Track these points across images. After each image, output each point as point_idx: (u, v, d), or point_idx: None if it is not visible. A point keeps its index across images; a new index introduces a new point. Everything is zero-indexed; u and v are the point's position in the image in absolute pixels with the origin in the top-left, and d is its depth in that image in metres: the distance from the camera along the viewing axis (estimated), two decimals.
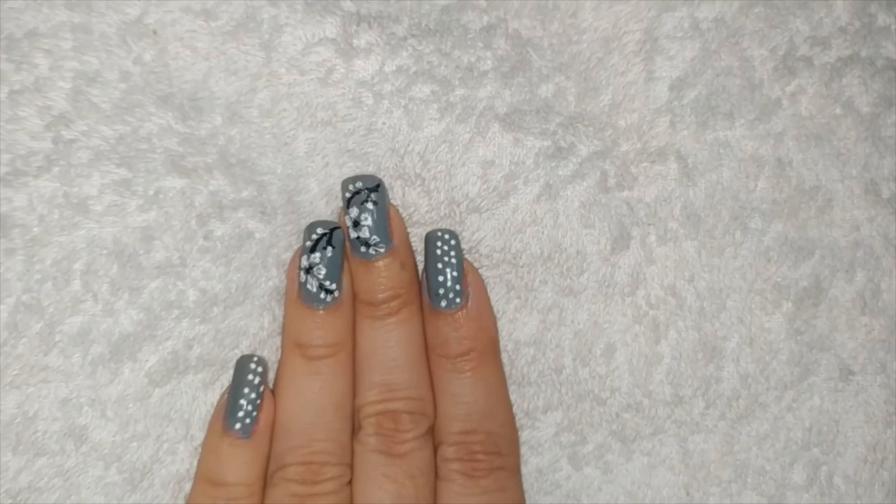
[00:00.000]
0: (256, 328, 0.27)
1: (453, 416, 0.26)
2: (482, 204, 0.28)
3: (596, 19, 0.28)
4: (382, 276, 0.26)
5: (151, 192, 0.27)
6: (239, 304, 0.27)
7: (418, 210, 0.28)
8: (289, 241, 0.28)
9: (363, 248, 0.25)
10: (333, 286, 0.25)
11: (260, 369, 0.26)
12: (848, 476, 0.28)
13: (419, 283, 0.27)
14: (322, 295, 0.25)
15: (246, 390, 0.25)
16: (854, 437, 0.28)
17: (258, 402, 0.25)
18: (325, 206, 0.28)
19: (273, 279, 0.27)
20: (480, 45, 0.27)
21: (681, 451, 0.28)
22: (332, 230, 0.26)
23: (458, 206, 0.28)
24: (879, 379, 0.28)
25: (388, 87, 0.27)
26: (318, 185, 0.28)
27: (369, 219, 0.25)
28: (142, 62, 0.27)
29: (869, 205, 0.28)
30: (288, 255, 0.28)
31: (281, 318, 0.27)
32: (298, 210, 0.28)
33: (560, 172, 0.28)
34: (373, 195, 0.26)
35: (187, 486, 0.27)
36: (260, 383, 0.25)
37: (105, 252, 0.27)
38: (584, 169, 0.28)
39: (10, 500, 0.26)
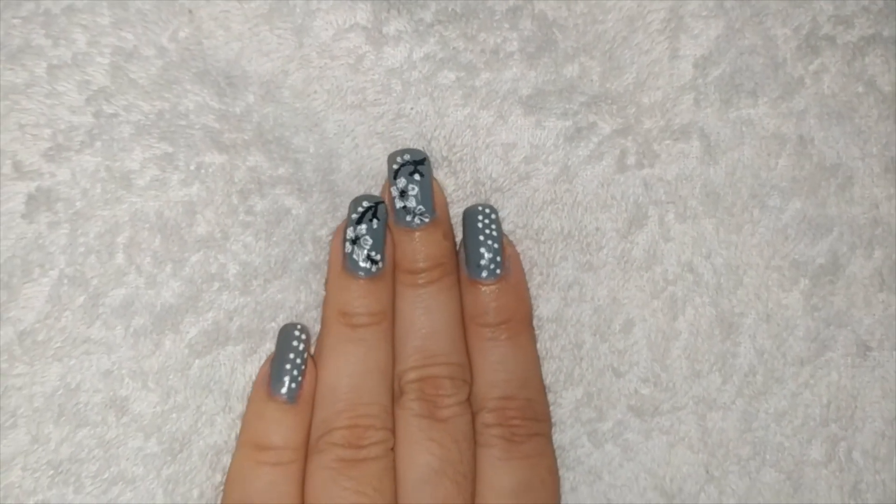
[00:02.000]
0: (294, 301, 0.29)
1: (492, 382, 0.28)
2: (504, 184, 0.29)
3: None
4: (425, 244, 0.28)
5: (193, 167, 0.28)
6: (277, 278, 0.29)
7: (445, 190, 0.30)
8: (324, 219, 0.30)
9: (408, 217, 0.28)
10: (379, 256, 0.27)
11: (304, 336, 0.28)
12: (866, 451, 0.29)
13: (457, 256, 0.29)
14: (367, 265, 0.27)
15: (291, 356, 0.27)
16: (872, 412, 0.29)
17: (303, 367, 0.27)
18: (357, 185, 0.29)
19: (309, 254, 0.29)
20: (507, 26, 0.29)
21: (700, 429, 0.30)
22: (377, 203, 0.28)
23: (483, 185, 0.30)
24: None
25: (416, 75, 0.29)
26: (350, 165, 0.29)
27: (416, 189, 0.28)
28: (177, 39, 0.29)
29: (889, 183, 0.29)
30: (323, 232, 0.29)
31: (317, 292, 0.29)
32: (333, 189, 0.29)
33: (580, 152, 0.30)
34: (420, 167, 0.28)
35: (225, 458, 0.29)
36: (304, 350, 0.27)
37: (148, 226, 0.28)
38: (602, 148, 0.30)
39: (51, 471, 0.28)
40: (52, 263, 0.28)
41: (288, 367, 0.27)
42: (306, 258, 0.29)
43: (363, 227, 0.28)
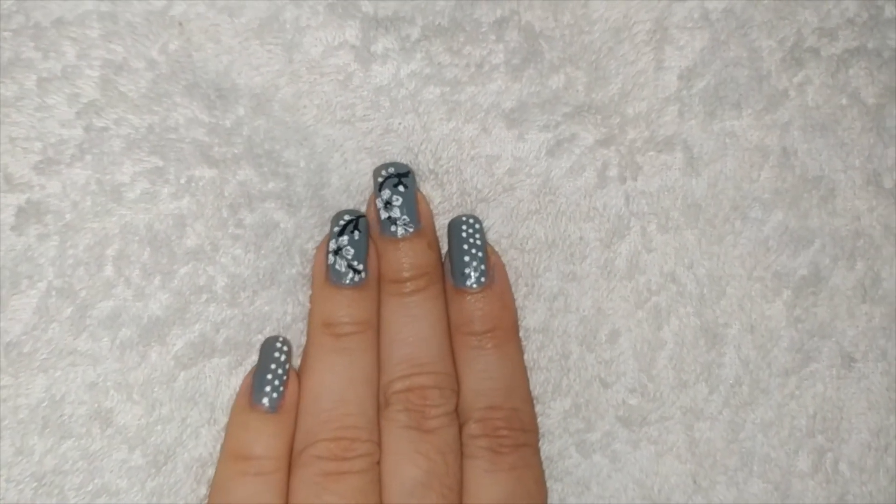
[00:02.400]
0: (281, 313, 0.29)
1: (478, 391, 0.28)
2: (489, 195, 0.30)
3: (607, 10, 0.30)
4: (409, 254, 0.28)
5: (183, 181, 0.29)
6: (265, 289, 0.29)
7: (432, 201, 0.30)
8: (311, 233, 0.30)
9: (392, 228, 0.28)
10: (361, 266, 0.28)
11: (286, 348, 0.28)
12: (853, 462, 0.30)
13: (443, 267, 0.29)
14: (350, 274, 0.28)
15: (273, 366, 0.27)
16: (858, 423, 0.30)
17: (285, 378, 0.27)
18: (347, 199, 0.30)
19: (297, 266, 0.30)
20: (493, 38, 0.29)
21: (687, 440, 0.30)
22: (359, 217, 0.29)
23: (469, 196, 0.30)
24: (881, 366, 0.30)
25: (403, 92, 0.30)
26: (339, 179, 0.30)
27: (400, 199, 0.28)
28: (167, 52, 0.29)
29: (871, 195, 0.30)
30: (311, 246, 0.30)
31: (304, 304, 0.30)
32: (322, 203, 0.30)
33: (562, 164, 0.30)
34: (404, 180, 0.28)
35: (210, 471, 0.29)
36: (286, 361, 0.28)
37: (137, 238, 0.29)
38: (584, 160, 0.30)
39: (35, 483, 0.28)
40: (40, 275, 0.29)
41: (269, 377, 0.28)
42: (294, 270, 0.30)
43: (345, 238, 0.28)
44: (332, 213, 0.30)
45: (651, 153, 0.30)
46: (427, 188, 0.30)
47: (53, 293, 0.29)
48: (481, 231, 0.29)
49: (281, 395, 0.28)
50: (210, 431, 0.29)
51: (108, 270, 0.29)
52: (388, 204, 0.28)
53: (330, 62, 0.29)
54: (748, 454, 0.30)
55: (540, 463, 0.29)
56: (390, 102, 0.30)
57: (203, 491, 0.29)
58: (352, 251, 0.28)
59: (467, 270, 0.28)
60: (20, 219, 0.29)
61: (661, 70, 0.30)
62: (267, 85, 0.30)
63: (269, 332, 0.29)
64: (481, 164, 0.30)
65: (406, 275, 0.28)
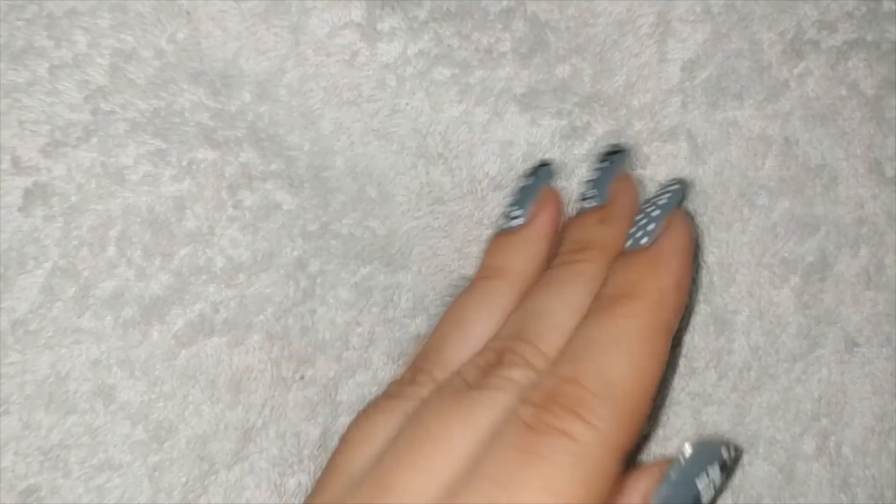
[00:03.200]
0: (281, 296, 0.30)
1: (564, 356, 0.24)
2: (503, 182, 0.30)
3: (611, 3, 0.31)
4: (577, 226, 0.28)
5: (185, 163, 0.29)
6: (264, 272, 0.30)
7: (442, 187, 0.31)
8: (315, 214, 0.30)
9: (580, 201, 0.29)
10: (515, 211, 0.29)
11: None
12: (856, 446, 0.30)
13: (619, 250, 0.27)
14: (502, 220, 0.29)
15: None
16: (861, 407, 0.30)
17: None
18: (352, 182, 0.30)
19: (297, 249, 0.30)
20: (500, 26, 0.30)
21: (694, 423, 0.30)
22: (540, 165, 0.30)
23: (480, 183, 0.31)
24: (885, 351, 0.30)
25: (411, 70, 0.30)
26: (344, 162, 0.30)
27: (597, 174, 0.29)
28: (175, 41, 0.30)
29: (873, 183, 0.30)
30: (314, 227, 0.30)
31: (304, 289, 0.30)
32: (325, 185, 0.30)
33: (575, 151, 0.31)
34: (612, 157, 0.30)
35: (212, 446, 0.29)
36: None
37: (139, 220, 0.29)
38: (598, 148, 0.30)
39: (41, 457, 0.29)
40: (46, 255, 0.29)
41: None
42: (294, 253, 0.30)
43: (519, 182, 0.30)
44: (337, 195, 0.31)
45: (656, 143, 0.31)
46: (436, 173, 0.31)
47: (58, 273, 0.29)
48: (677, 192, 0.26)
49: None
50: (212, 409, 0.29)
51: (111, 251, 0.29)
52: (589, 179, 0.29)
53: (336, 42, 0.30)
54: (754, 437, 0.30)
55: (587, 476, 0.22)
56: (397, 80, 0.30)
57: (206, 466, 0.29)
58: (512, 197, 0.29)
59: (632, 230, 0.26)
60: (27, 200, 0.29)
61: (664, 62, 0.31)
62: (273, 69, 0.30)
63: (268, 313, 0.30)
64: (494, 148, 0.31)
65: (565, 247, 0.27)
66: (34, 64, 0.30)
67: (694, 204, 0.31)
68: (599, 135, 0.31)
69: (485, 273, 0.28)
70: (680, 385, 0.31)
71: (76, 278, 0.29)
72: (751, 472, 0.30)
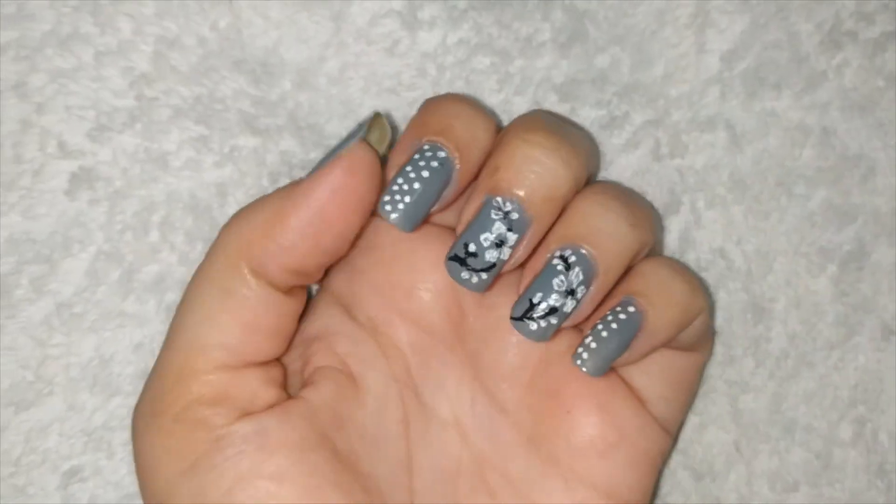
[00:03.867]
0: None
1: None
2: None
3: None
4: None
5: (227, 150, 0.30)
6: None
7: None
8: None
9: None
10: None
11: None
12: (892, 433, 0.31)
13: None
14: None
15: None
16: None
17: None
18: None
19: None
20: (539, 16, 0.31)
21: (731, 410, 0.31)
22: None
23: None
24: None
25: (451, 59, 0.31)
26: None
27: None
28: (217, 28, 0.31)
29: None
30: None
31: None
32: None
33: (614, 141, 0.32)
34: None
35: None
36: None
37: (181, 205, 0.30)
38: (637, 137, 0.31)
39: (85, 438, 0.30)
40: (91, 239, 0.30)
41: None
42: None
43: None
44: None
45: (695, 133, 0.32)
46: None
47: (102, 257, 0.30)
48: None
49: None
50: None
51: (154, 236, 0.30)
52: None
53: (377, 30, 0.31)
54: (791, 424, 0.31)
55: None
56: (437, 69, 0.31)
57: None
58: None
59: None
60: (73, 184, 0.30)
61: (703, 53, 0.32)
62: (314, 58, 0.31)
63: None
64: None
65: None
66: (80, 50, 0.30)
67: (732, 192, 0.32)
68: (638, 124, 0.32)
69: None
70: (717, 373, 0.32)
71: (120, 262, 0.30)
72: (788, 458, 0.31)
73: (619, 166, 0.32)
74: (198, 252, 0.30)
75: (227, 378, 0.26)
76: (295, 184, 0.27)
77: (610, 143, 0.32)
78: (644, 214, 0.27)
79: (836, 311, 0.32)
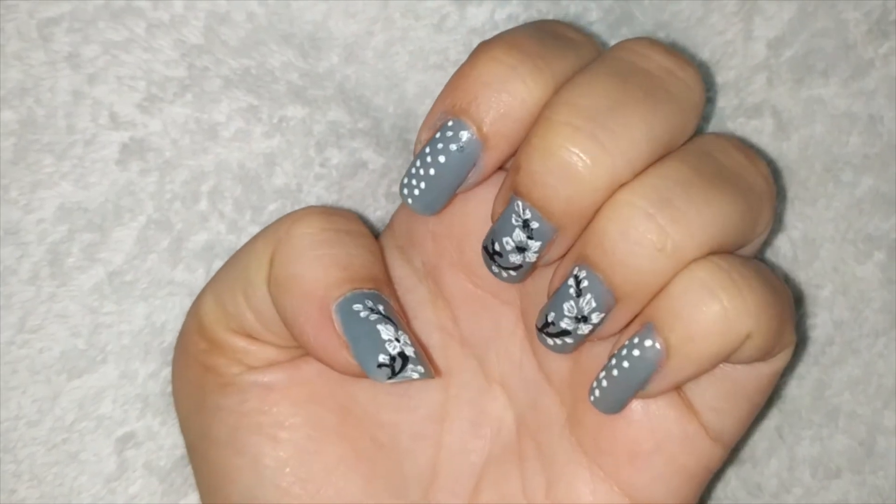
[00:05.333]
0: None
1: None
2: None
3: None
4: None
5: (275, 120, 0.32)
6: None
7: None
8: (400, 173, 0.33)
9: None
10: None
11: None
12: None
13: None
14: None
15: None
16: None
17: None
18: None
19: (381, 209, 0.33)
20: None
21: (774, 396, 0.32)
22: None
23: None
24: None
25: None
26: None
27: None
28: (266, 3, 0.32)
29: None
30: (397, 189, 0.32)
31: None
32: (409, 147, 0.33)
33: None
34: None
35: None
36: None
37: (230, 175, 0.32)
38: None
39: (140, 404, 0.32)
40: (140, 209, 0.32)
41: None
42: (377, 213, 0.33)
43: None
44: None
45: (741, 119, 0.33)
46: None
47: (152, 226, 0.32)
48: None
49: None
50: None
51: (203, 205, 0.32)
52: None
53: (425, 5, 0.32)
54: (834, 410, 0.32)
55: None
56: None
57: None
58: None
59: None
60: (123, 155, 0.32)
61: (750, 40, 0.33)
62: (361, 32, 0.32)
63: None
64: None
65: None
66: (132, 23, 0.32)
67: (780, 180, 0.33)
68: None
69: None
70: None
71: (170, 231, 0.32)
72: (830, 445, 0.32)
73: None
74: (246, 220, 0.32)
75: (247, 342, 0.28)
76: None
77: None
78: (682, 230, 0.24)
79: (883, 298, 0.33)
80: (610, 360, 0.24)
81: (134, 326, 0.31)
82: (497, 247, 0.25)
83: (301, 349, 0.27)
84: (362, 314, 0.24)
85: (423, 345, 0.28)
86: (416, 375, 0.24)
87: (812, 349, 0.33)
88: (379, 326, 0.24)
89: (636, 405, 0.25)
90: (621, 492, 0.26)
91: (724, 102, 0.33)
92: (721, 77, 0.33)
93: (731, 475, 0.33)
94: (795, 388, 0.33)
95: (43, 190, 0.31)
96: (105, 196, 0.31)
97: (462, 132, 0.25)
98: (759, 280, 0.24)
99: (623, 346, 0.24)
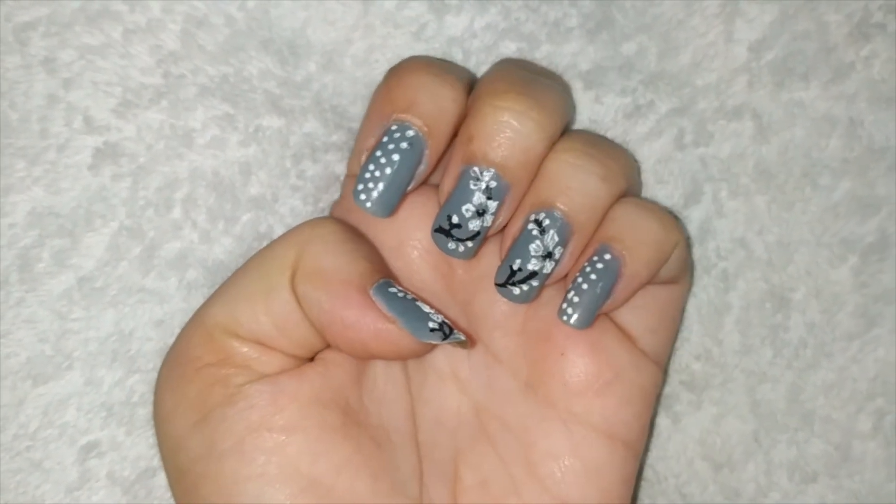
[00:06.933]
0: None
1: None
2: None
3: None
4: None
5: (251, 129, 0.33)
6: None
7: None
8: None
9: None
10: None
11: None
12: None
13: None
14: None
15: None
16: None
17: None
18: None
19: None
20: (566, 2, 0.33)
21: (749, 401, 0.34)
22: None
23: None
24: None
25: (477, 44, 0.34)
26: None
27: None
28: (245, 8, 0.33)
29: None
30: None
31: None
32: None
33: (638, 129, 0.34)
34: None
35: None
36: None
37: (204, 183, 0.33)
38: (661, 126, 0.34)
39: (104, 413, 0.33)
40: (113, 214, 0.33)
41: None
42: None
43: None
44: None
45: (721, 122, 0.34)
46: None
47: (124, 232, 0.33)
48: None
49: None
50: None
51: (177, 213, 0.33)
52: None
53: (404, 14, 0.33)
54: (809, 415, 0.34)
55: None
56: (463, 53, 0.34)
57: None
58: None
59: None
60: (97, 159, 0.33)
61: (731, 42, 0.34)
62: (340, 40, 0.34)
63: None
64: None
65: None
66: (109, 27, 0.33)
67: (757, 182, 0.34)
68: (663, 113, 0.34)
69: None
70: (734, 362, 0.34)
71: (142, 238, 0.33)
72: (807, 449, 0.34)
73: (641, 155, 0.34)
74: (219, 230, 0.33)
75: (258, 352, 0.29)
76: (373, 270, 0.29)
77: (634, 132, 0.34)
78: (614, 163, 0.29)
79: (856, 301, 0.34)
80: (576, 279, 0.29)
81: (101, 333, 0.33)
82: (456, 219, 0.28)
83: (310, 350, 0.29)
84: (399, 294, 0.28)
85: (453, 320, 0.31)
86: (463, 337, 0.28)
87: (786, 352, 0.34)
88: (418, 303, 0.28)
89: (590, 342, 0.30)
90: (595, 427, 0.30)
91: (704, 104, 0.34)
92: (701, 79, 0.34)
93: (709, 480, 0.34)
94: (770, 392, 0.34)
95: (14, 194, 0.32)
96: (77, 201, 0.33)
97: (408, 131, 0.29)
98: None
99: (586, 265, 0.29)
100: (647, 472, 0.34)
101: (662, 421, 0.34)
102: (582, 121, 0.34)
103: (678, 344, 0.34)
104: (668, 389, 0.34)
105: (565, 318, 0.29)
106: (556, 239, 0.28)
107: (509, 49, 0.34)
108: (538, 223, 0.28)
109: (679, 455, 0.34)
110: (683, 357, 0.34)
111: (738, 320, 0.34)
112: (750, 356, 0.34)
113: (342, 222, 0.30)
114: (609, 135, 0.34)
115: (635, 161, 0.34)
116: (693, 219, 0.34)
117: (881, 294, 0.34)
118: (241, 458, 0.28)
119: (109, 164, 0.33)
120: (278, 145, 0.33)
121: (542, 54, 0.34)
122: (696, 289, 0.34)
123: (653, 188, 0.34)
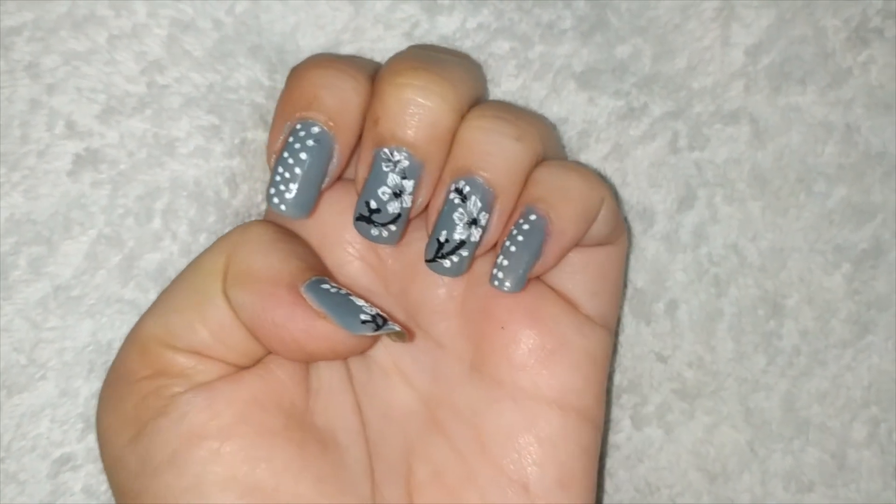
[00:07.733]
0: None
1: None
2: None
3: None
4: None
5: (237, 141, 0.32)
6: None
7: None
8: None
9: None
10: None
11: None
12: None
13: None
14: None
15: None
16: None
17: None
18: None
19: None
20: (560, 3, 0.33)
21: (743, 410, 0.34)
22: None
23: None
24: None
25: (469, 43, 0.34)
26: None
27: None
28: (234, 13, 0.33)
29: None
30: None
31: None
32: None
33: (631, 132, 0.34)
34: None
35: None
36: None
37: (186, 194, 0.33)
38: (654, 129, 0.34)
39: (80, 425, 0.33)
40: (91, 222, 0.33)
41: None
42: None
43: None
44: None
45: (717, 126, 0.34)
46: None
47: (103, 241, 0.33)
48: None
49: None
50: None
51: (157, 223, 0.33)
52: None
53: (395, 15, 0.33)
54: (804, 423, 0.34)
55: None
56: None
57: None
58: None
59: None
60: (77, 165, 0.32)
61: (727, 46, 0.34)
62: (330, 44, 0.33)
63: None
64: None
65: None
66: (94, 33, 0.33)
67: (752, 188, 0.34)
68: (656, 116, 0.34)
69: None
70: (727, 370, 0.35)
71: (121, 248, 0.33)
72: (802, 458, 0.34)
73: (634, 158, 0.34)
74: (200, 244, 0.33)
75: (195, 360, 0.29)
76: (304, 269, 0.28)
77: (627, 135, 0.34)
78: (528, 125, 0.29)
79: (849, 308, 0.35)
80: (504, 245, 0.29)
81: (78, 343, 0.32)
82: (374, 203, 0.29)
83: (250, 357, 0.29)
84: (332, 290, 0.28)
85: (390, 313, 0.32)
86: (397, 328, 0.28)
87: (779, 359, 0.35)
88: (351, 297, 0.28)
89: (529, 312, 0.30)
90: (545, 399, 0.30)
91: (700, 108, 0.34)
92: (698, 83, 0.34)
93: (703, 491, 0.35)
94: (765, 401, 0.35)
95: None
96: (55, 208, 0.32)
97: (313, 128, 0.29)
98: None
99: (513, 229, 0.29)
100: (640, 484, 0.35)
101: (654, 431, 0.34)
102: (575, 122, 0.34)
103: (670, 351, 0.35)
104: (659, 398, 0.34)
105: (497, 283, 0.29)
106: (479, 205, 0.28)
107: (502, 49, 0.34)
108: (459, 192, 0.28)
109: (672, 465, 0.35)
110: (675, 365, 0.35)
111: (730, 327, 0.35)
112: (743, 364, 0.35)
113: (273, 224, 0.30)
114: (603, 137, 0.34)
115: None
116: (686, 224, 0.35)
117: (874, 301, 0.35)
118: (176, 470, 0.28)
119: (89, 170, 0.32)
120: (263, 158, 0.33)
121: (535, 55, 0.34)
122: (687, 294, 0.35)
123: (646, 192, 0.34)
